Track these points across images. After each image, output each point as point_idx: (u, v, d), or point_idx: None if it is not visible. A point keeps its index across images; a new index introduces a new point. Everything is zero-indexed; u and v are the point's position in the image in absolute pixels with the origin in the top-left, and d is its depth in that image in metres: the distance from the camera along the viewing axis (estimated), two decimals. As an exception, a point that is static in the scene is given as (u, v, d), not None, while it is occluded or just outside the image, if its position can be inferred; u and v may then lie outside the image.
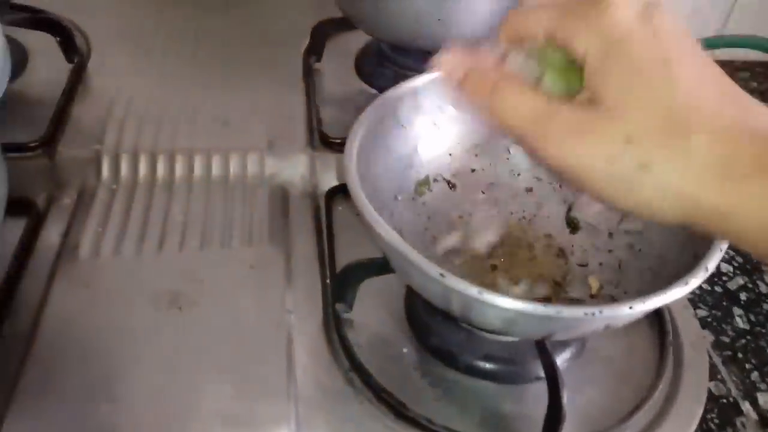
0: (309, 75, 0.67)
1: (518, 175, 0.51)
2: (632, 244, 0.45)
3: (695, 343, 0.47)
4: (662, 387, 0.44)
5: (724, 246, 0.36)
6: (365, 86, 0.68)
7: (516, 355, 0.44)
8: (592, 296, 0.44)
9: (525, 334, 0.36)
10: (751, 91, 0.93)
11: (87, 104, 0.62)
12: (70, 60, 0.66)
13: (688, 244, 0.40)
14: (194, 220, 0.52)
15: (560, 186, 0.50)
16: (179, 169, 0.56)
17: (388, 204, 0.47)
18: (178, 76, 0.66)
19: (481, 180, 0.51)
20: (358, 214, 0.40)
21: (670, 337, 0.46)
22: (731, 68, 0.94)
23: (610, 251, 0.46)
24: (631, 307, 0.32)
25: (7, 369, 0.41)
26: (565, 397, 0.38)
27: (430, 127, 0.49)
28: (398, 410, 0.41)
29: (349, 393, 0.42)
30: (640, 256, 0.44)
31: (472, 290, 0.33)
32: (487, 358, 0.44)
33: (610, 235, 0.47)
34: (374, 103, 0.45)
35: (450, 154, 0.50)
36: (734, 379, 0.55)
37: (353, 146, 0.41)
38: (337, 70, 0.70)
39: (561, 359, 0.45)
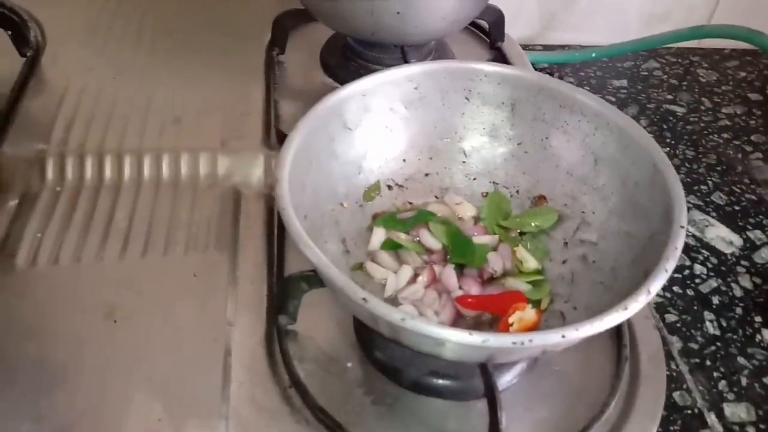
0: (270, 68, 0.65)
1: (474, 179, 0.49)
2: (586, 255, 0.43)
3: (654, 356, 0.45)
4: (616, 404, 0.42)
5: (671, 266, 0.33)
6: (330, 80, 0.66)
7: (462, 371, 0.42)
8: (541, 311, 0.41)
9: (459, 358, 0.34)
10: (740, 81, 0.90)
11: (37, 100, 0.60)
12: (22, 54, 0.64)
13: (639, 258, 0.38)
14: (138, 225, 0.50)
15: (517, 191, 0.48)
16: (127, 170, 0.54)
17: (334, 212, 0.45)
18: (132, 70, 0.63)
19: (435, 184, 0.49)
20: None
21: (627, 351, 0.44)
22: (720, 57, 0.91)
23: (564, 262, 0.44)
24: (563, 336, 0.30)
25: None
26: (504, 420, 0.36)
27: (381, 129, 0.47)
28: (335, 431, 0.39)
29: (285, 412, 0.40)
30: (593, 269, 0.42)
31: (395, 316, 0.31)
32: (433, 374, 0.42)
33: (566, 244, 0.45)
34: (317, 106, 0.43)
35: (404, 160, 0.48)
36: (700, 388, 0.53)
37: (287, 155, 0.39)
38: (302, 63, 0.68)
39: (512, 374, 0.43)
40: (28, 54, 0.64)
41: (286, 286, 0.43)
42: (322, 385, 0.42)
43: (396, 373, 0.42)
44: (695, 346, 0.56)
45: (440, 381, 0.42)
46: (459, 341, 0.30)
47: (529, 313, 0.39)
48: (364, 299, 0.31)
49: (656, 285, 0.33)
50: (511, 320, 0.39)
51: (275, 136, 0.58)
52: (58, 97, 0.60)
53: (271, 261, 0.49)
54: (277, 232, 0.51)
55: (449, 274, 0.42)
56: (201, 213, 0.52)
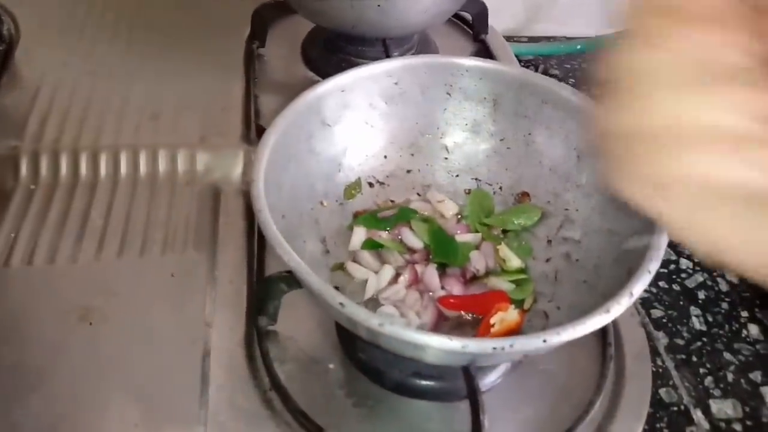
0: (250, 62, 0.64)
1: (456, 176, 0.48)
2: (569, 254, 0.42)
3: (639, 354, 0.45)
4: (601, 403, 0.42)
5: (654, 267, 0.33)
6: (311, 74, 0.65)
7: (446, 373, 0.41)
8: (525, 310, 0.41)
9: (440, 362, 0.33)
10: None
11: (10, 95, 0.58)
12: (-5, 48, 0.62)
13: (622, 257, 0.38)
14: (115, 224, 0.49)
15: (500, 188, 0.47)
16: (103, 167, 0.53)
17: (314, 211, 0.44)
18: (109, 65, 0.62)
19: (417, 181, 0.48)
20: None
21: (612, 350, 0.43)
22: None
23: (547, 260, 0.43)
24: (544, 341, 0.30)
25: None
26: (487, 422, 0.35)
27: (361, 126, 0.46)
28: (316, 435, 0.38)
29: (265, 416, 0.40)
30: (576, 267, 0.41)
31: (373, 321, 0.30)
32: (416, 375, 0.41)
33: (549, 242, 0.44)
34: (294, 103, 0.42)
35: (385, 156, 0.47)
36: (687, 385, 0.53)
37: (264, 154, 0.38)
38: (283, 56, 0.67)
39: (496, 374, 0.42)
40: (1, 48, 0.62)
41: (265, 288, 0.42)
42: (304, 387, 0.41)
43: (378, 375, 0.42)
44: (681, 342, 0.56)
45: (423, 382, 0.41)
46: (438, 347, 0.29)
47: (511, 314, 0.38)
48: (341, 304, 0.30)
49: (639, 287, 0.32)
50: (492, 321, 0.38)
51: (255, 132, 0.57)
52: (32, 93, 0.58)
53: (250, 260, 0.48)
54: (257, 230, 0.50)
55: (431, 273, 0.42)
56: (179, 211, 0.51)
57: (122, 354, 0.42)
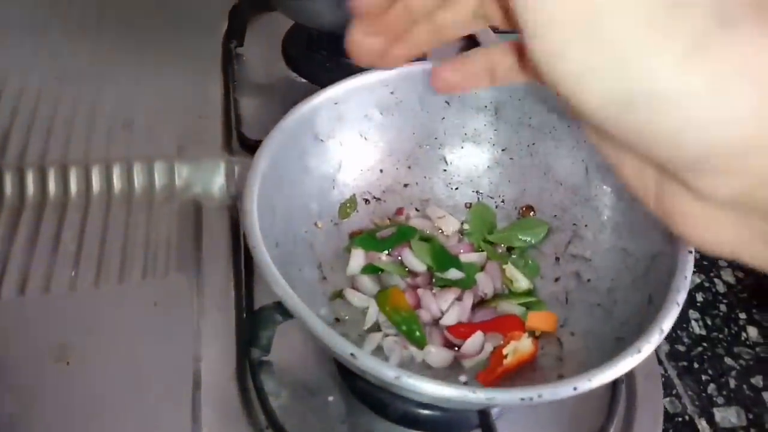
0: (229, 63, 0.60)
1: (456, 188, 0.45)
2: (579, 273, 0.40)
3: (650, 373, 0.43)
4: (614, 428, 0.40)
5: (682, 298, 0.31)
6: (294, 74, 0.61)
7: (453, 403, 0.39)
8: (537, 337, 0.39)
9: (458, 408, 0.31)
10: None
11: (-32, 106, 0.54)
12: (-51, 52, 0.57)
13: (641, 280, 0.35)
14: (89, 248, 0.46)
15: (502, 201, 0.45)
16: (73, 184, 0.49)
17: (308, 234, 0.41)
18: (76, 69, 0.58)
19: (415, 196, 0.45)
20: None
21: (623, 371, 0.42)
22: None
23: (556, 280, 0.41)
24: (575, 388, 0.27)
25: None
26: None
27: (355, 138, 0.43)
28: (318, 478, 0.36)
29: (262, 459, 0.37)
30: (588, 288, 0.39)
31: (389, 374, 0.27)
32: (422, 405, 0.39)
33: (557, 259, 0.42)
34: (285, 119, 0.39)
35: (381, 170, 0.44)
36: (690, 393, 0.52)
37: (254, 182, 0.35)
38: (263, 55, 0.63)
39: (504, 400, 0.40)
40: (-45, 52, 0.57)
41: (257, 319, 0.39)
42: (302, 424, 0.39)
43: (382, 406, 0.39)
44: (682, 348, 0.54)
45: (431, 413, 0.39)
46: (461, 399, 0.27)
47: (524, 343, 0.36)
48: (352, 355, 0.28)
49: (668, 322, 0.30)
50: (505, 351, 0.36)
51: (237, 140, 0.53)
52: (-9, 102, 0.54)
53: (238, 281, 0.45)
54: (243, 248, 0.47)
55: (435, 298, 0.39)
56: (158, 230, 0.48)
57: (104, 397, 0.38)
